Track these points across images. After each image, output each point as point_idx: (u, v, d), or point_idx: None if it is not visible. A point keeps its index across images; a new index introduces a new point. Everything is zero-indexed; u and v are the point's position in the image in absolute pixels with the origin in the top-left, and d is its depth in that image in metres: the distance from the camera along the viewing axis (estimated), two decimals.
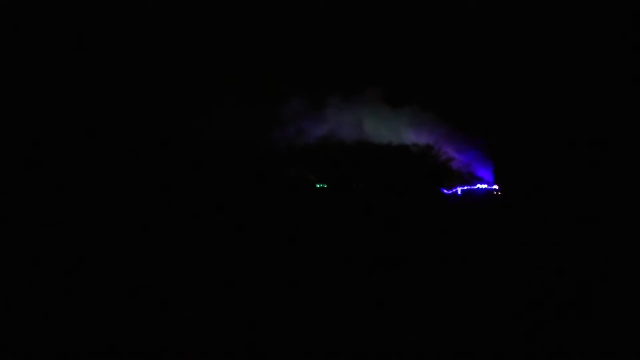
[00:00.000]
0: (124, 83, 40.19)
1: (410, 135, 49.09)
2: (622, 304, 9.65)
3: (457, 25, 42.08)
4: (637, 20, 35.85)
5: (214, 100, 43.29)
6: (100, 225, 23.23)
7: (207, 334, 7.57)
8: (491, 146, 48.49)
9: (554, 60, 39.72)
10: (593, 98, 40.10)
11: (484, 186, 50.12)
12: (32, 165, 32.32)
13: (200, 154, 43.92)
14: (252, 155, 45.08)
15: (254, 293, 10.62)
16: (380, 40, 45.75)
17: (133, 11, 38.59)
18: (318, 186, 48.28)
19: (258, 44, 43.84)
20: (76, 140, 37.54)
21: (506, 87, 43.94)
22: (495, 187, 49.99)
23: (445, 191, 52.97)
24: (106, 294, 9.93)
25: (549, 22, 38.41)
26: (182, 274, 12.54)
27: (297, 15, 43.93)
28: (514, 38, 40.33)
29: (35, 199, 29.35)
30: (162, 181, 40.13)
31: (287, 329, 8.25)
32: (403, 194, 49.20)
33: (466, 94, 45.43)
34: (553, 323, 8.62)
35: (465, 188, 52.16)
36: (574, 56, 38.26)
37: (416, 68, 46.66)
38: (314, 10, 43.75)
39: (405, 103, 48.67)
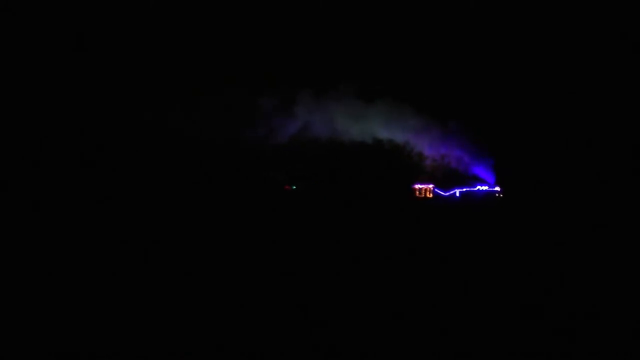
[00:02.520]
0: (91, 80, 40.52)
1: (390, 131, 47.46)
2: (624, 309, 9.56)
3: (454, 21, 43.22)
4: (637, 21, 36.57)
5: (180, 98, 42.82)
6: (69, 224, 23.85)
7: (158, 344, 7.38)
8: (491, 144, 48.08)
9: (555, 59, 40.97)
10: (595, 98, 40.86)
11: (484, 187, 49.08)
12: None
13: (165, 154, 43.20)
14: (219, 155, 44.07)
15: (220, 296, 10.68)
16: (358, 35, 45.16)
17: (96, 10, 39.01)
18: (294, 187, 47.26)
19: (226, 42, 43.33)
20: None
21: (506, 85, 44.17)
22: (497, 188, 49.11)
23: (442, 192, 50.54)
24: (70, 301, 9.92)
25: (550, 19, 39.68)
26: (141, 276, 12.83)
27: (267, 12, 43.59)
28: (516, 35, 41.31)
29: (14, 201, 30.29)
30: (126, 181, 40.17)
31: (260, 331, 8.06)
32: (383, 195, 46.75)
33: (462, 89, 45.61)
34: (554, 331, 8.22)
35: (464, 189, 50.01)
36: (576, 54, 39.77)
37: (401, 64, 45.94)
38: (285, 6, 43.11)
39: (383, 97, 46.89)
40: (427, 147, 48.02)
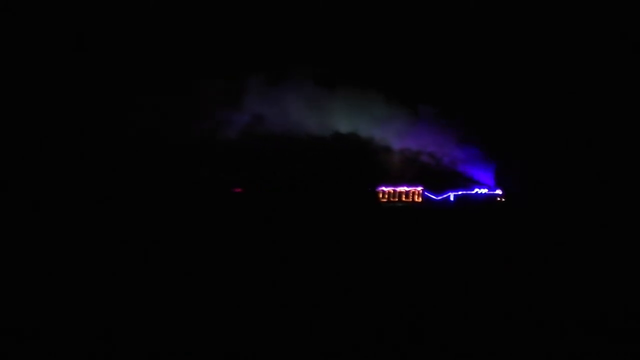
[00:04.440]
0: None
1: (353, 123, 42.83)
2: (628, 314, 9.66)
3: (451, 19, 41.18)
4: (637, 21, 37.21)
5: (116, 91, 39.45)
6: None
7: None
8: (493, 141, 44.38)
9: (557, 59, 40.87)
10: (599, 99, 40.58)
11: (484, 190, 45.40)
12: None
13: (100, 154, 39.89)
14: (155, 154, 40.30)
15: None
16: (314, 8, 40.13)
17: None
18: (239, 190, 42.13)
19: (165, 26, 39.46)
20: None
21: (505, 82, 42.63)
22: (498, 191, 45.52)
23: (434, 196, 45.84)
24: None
25: (550, 20, 39.57)
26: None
27: None
28: (518, 34, 40.66)
29: None
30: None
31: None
32: (345, 199, 41.75)
33: (456, 85, 43.10)
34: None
35: (460, 192, 45.62)
36: (580, 55, 39.86)
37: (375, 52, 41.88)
38: None
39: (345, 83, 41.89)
40: (395, 141, 43.89)
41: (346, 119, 42.57)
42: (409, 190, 45.29)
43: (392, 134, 43.44)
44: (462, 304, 10.75)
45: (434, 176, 45.10)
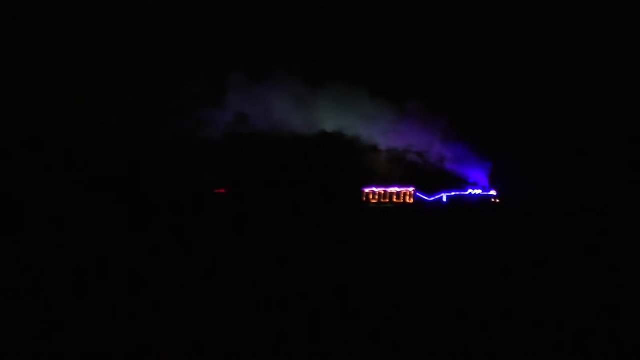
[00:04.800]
0: None
1: (340, 121, 41.43)
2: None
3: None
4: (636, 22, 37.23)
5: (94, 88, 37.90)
6: None
7: None
8: (488, 141, 43.37)
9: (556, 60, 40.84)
10: (597, 99, 40.52)
11: (478, 191, 44.36)
12: None
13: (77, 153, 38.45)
14: (135, 154, 38.65)
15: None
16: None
17: None
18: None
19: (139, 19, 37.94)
20: None
21: (505, 78, 41.88)
22: (493, 192, 44.56)
23: (426, 197, 44.71)
24: None
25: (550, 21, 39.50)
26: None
27: None
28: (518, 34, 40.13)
29: None
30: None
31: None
32: (331, 200, 40.48)
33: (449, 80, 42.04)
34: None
35: (453, 193, 44.64)
36: (578, 56, 39.97)
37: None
38: None
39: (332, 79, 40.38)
40: (384, 139, 42.72)
41: (333, 117, 41.33)
42: (400, 191, 44.14)
43: (381, 132, 42.35)
44: (455, 308, 10.49)
45: (427, 176, 44.21)
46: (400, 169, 43.05)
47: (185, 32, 38.34)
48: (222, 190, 41.88)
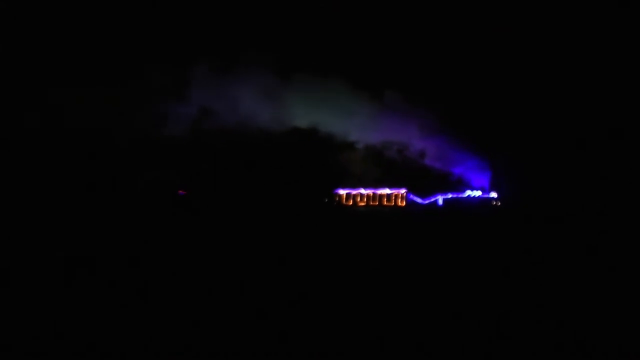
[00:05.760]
0: None
1: (313, 115, 39.89)
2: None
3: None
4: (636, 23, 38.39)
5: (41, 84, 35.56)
6: None
7: None
8: (489, 142, 42.26)
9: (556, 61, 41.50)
10: (598, 100, 41.42)
11: (477, 193, 43.33)
12: None
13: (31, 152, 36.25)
14: (91, 152, 36.48)
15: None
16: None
17: None
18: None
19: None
20: None
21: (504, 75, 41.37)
22: (493, 194, 43.49)
23: (419, 200, 43.21)
24: None
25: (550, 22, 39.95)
26: None
27: None
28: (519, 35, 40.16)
29: None
30: None
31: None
32: (303, 202, 39.12)
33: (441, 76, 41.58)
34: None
35: (449, 196, 43.41)
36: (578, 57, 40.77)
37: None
38: None
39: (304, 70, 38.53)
40: (367, 136, 41.18)
41: (307, 112, 39.56)
42: (391, 193, 42.71)
43: (361, 128, 40.71)
44: (450, 317, 10.15)
45: (420, 178, 43.02)
46: (379, 169, 41.77)
47: (143, 20, 36.52)
48: (183, 192, 40.23)
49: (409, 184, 42.62)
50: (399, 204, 42.18)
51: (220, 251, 19.04)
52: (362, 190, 42.38)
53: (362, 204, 42.21)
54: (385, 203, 42.12)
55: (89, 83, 35.29)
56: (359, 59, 39.85)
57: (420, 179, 42.72)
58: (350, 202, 42.33)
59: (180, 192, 39.99)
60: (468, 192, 42.74)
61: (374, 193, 42.17)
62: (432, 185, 43.01)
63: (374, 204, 42.09)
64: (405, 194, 42.53)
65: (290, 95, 38.65)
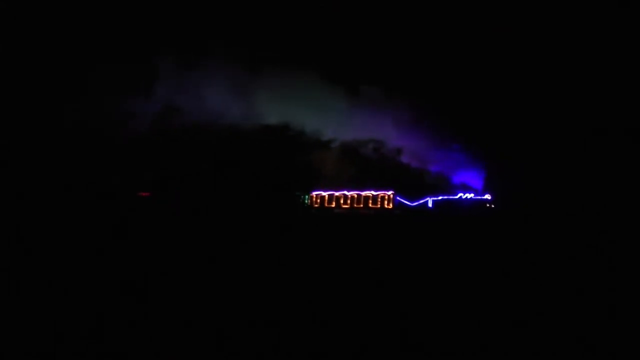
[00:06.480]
0: None
1: (282, 112, 38.39)
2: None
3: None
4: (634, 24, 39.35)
5: None
6: None
7: None
8: (482, 141, 41.42)
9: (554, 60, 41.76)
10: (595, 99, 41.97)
11: (469, 195, 41.84)
12: None
13: None
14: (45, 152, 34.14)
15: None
16: None
17: None
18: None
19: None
20: None
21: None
22: (487, 196, 42.05)
23: (408, 202, 41.32)
24: None
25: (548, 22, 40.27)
26: None
27: None
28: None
29: None
30: None
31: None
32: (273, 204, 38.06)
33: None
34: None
35: (440, 198, 41.54)
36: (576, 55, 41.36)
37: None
38: None
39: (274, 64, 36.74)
40: (348, 134, 39.71)
41: (279, 107, 37.81)
42: (377, 195, 40.85)
43: (341, 125, 39.19)
44: (444, 325, 9.41)
45: (409, 178, 41.50)
46: (362, 169, 40.27)
47: (104, 12, 34.30)
48: (146, 194, 38.38)
49: (396, 185, 40.99)
50: (386, 206, 40.51)
51: (187, 259, 16.72)
52: (346, 192, 40.63)
53: (346, 206, 40.43)
54: (370, 205, 40.39)
55: (41, 79, 33.11)
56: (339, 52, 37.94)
57: (408, 179, 41.14)
58: (333, 205, 40.51)
59: (142, 193, 38.15)
60: (460, 194, 41.29)
61: (358, 195, 40.42)
62: (421, 186, 41.51)
63: (359, 206, 40.38)
64: (392, 195, 40.87)
65: (260, 90, 37.01)
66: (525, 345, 8.57)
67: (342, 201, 40.52)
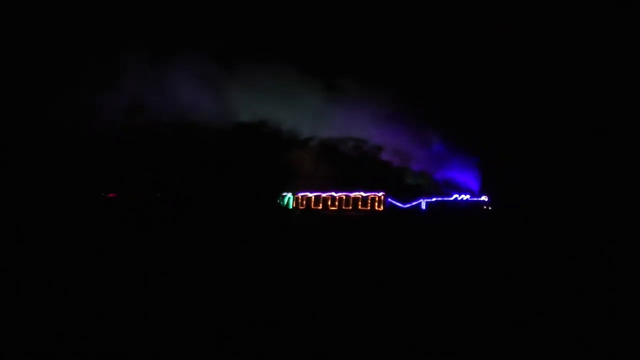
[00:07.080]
0: None
1: (257, 109, 37.47)
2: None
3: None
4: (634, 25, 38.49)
5: None
6: None
7: None
8: (476, 137, 41.26)
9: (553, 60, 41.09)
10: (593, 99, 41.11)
11: (466, 197, 41.03)
12: None
13: None
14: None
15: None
16: None
17: None
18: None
19: None
20: None
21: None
22: (484, 198, 41.37)
23: (400, 204, 40.38)
24: None
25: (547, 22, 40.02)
26: None
27: None
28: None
29: None
30: None
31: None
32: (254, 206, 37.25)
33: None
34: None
35: (434, 199, 40.79)
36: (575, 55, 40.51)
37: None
38: None
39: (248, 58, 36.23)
40: (335, 132, 38.59)
41: (251, 104, 36.52)
42: (367, 196, 39.43)
43: (326, 123, 37.91)
44: (439, 330, 9.73)
45: (401, 179, 40.35)
46: (350, 169, 39.09)
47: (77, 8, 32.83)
48: (113, 195, 36.95)
49: (387, 186, 39.73)
50: (377, 208, 39.17)
51: (162, 264, 16.11)
52: (333, 193, 39.40)
53: (334, 208, 39.15)
54: (360, 207, 39.06)
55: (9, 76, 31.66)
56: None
57: (400, 180, 39.94)
58: (320, 207, 39.23)
59: (110, 194, 36.71)
60: (455, 195, 40.15)
61: (346, 196, 39.08)
62: (414, 187, 40.37)
63: (347, 208, 39.09)
64: (383, 197, 39.56)
65: (236, 86, 35.77)
66: (526, 345, 8.65)
67: (329, 203, 39.20)
